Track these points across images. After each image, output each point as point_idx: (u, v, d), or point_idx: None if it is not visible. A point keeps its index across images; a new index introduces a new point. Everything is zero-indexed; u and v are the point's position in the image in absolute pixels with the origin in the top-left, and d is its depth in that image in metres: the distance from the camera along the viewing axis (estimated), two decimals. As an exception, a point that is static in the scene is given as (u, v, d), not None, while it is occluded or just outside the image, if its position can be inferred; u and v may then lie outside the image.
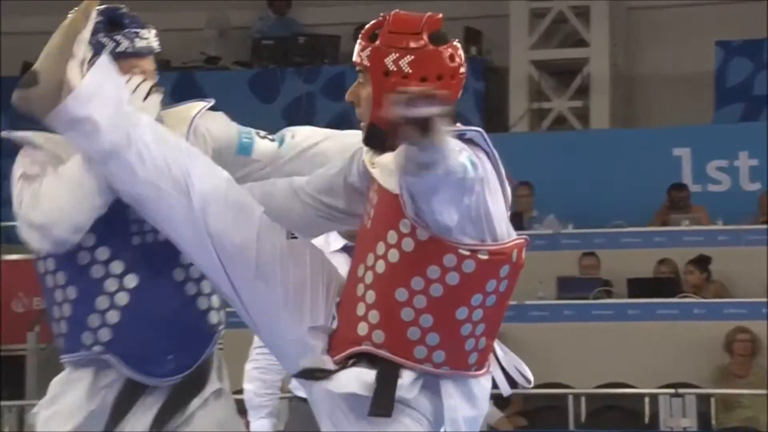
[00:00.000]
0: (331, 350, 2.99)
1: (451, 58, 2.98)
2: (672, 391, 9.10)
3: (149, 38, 3.20)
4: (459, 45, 3.02)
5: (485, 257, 2.91)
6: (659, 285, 10.40)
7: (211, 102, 3.27)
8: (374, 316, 2.91)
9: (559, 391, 9.50)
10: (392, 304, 2.90)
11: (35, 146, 3.12)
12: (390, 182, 2.91)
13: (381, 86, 2.97)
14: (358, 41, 3.10)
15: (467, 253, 2.89)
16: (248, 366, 4.44)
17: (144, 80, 3.14)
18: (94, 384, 3.11)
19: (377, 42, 3.04)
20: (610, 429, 9.02)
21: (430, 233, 2.87)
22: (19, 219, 3.08)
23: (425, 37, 2.98)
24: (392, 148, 2.92)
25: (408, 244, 2.88)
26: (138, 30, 3.17)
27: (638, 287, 10.35)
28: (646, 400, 9.33)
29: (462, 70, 3.01)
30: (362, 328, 2.92)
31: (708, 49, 12.87)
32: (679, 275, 10.52)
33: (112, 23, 3.16)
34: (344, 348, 2.95)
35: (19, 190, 3.08)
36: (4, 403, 10.37)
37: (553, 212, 11.25)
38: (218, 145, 3.25)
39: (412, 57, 2.96)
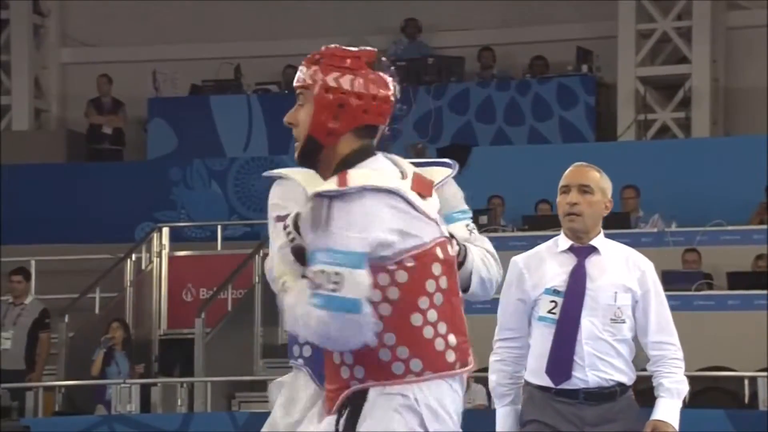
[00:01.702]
0: (327, 404, 2.91)
1: (386, 85, 2.98)
2: (769, 374, 8.89)
3: None
4: (392, 79, 3.01)
5: (412, 264, 2.83)
6: (757, 278, 10.19)
7: (455, 171, 3.14)
8: (347, 356, 2.85)
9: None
10: None
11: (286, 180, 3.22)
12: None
13: (322, 100, 2.92)
14: (302, 66, 3.07)
15: (394, 267, 2.82)
16: (492, 358, 4.33)
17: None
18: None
19: (320, 64, 3.03)
20: (712, 407, 8.85)
21: None
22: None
23: (364, 63, 3.01)
24: (325, 163, 2.89)
25: None
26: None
27: (737, 280, 10.16)
28: (746, 381, 9.14)
29: (392, 99, 2.97)
30: (344, 372, 2.86)
31: (801, 64, 12.56)
32: (775, 269, 10.29)
33: None
34: (337, 397, 2.88)
35: (270, 225, 3.31)
36: (177, 380, 10.61)
37: (658, 212, 11.09)
38: (441, 207, 3.12)
39: (352, 77, 2.95)
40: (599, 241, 4.30)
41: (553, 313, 4.20)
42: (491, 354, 4.35)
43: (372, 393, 2.84)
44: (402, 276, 2.83)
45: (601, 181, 4.30)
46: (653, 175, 11.65)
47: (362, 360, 2.84)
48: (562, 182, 4.31)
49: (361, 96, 2.93)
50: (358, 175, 2.82)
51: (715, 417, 8.47)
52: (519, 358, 4.28)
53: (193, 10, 14.34)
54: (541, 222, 10.79)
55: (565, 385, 4.16)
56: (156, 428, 9.29)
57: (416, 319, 2.84)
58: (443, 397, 2.85)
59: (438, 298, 2.87)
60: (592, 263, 4.25)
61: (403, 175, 2.90)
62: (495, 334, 4.34)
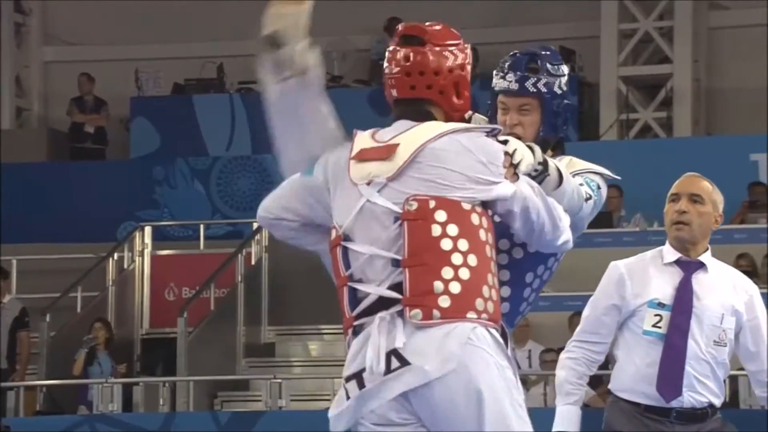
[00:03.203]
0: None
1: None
2: (750, 373, 8.91)
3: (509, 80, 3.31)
4: None
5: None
6: (738, 277, 10.20)
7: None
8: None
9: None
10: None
11: None
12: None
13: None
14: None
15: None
16: (564, 355, 4.24)
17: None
18: None
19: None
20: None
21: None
22: None
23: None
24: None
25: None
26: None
27: (718, 279, 10.17)
28: (727, 380, 9.15)
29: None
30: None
31: (782, 64, 12.62)
32: (756, 268, 10.32)
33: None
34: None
35: None
36: (159, 379, 10.57)
37: (640, 212, 11.11)
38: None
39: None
40: (707, 257, 4.14)
41: (659, 327, 4.03)
42: (564, 351, 4.23)
43: None
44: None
45: (713, 193, 4.19)
46: (635, 175, 11.65)
47: None
48: (672, 190, 4.17)
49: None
50: None
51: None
52: (593, 362, 4.17)
53: (175, 10, 14.30)
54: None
55: (656, 403, 4.03)
56: (138, 428, 9.26)
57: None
58: None
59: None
60: (698, 280, 4.08)
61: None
62: (575, 333, 4.22)
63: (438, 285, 2.93)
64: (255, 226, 11.93)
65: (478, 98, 3.55)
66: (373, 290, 2.96)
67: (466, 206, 2.98)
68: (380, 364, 2.91)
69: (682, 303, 4.04)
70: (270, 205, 3.21)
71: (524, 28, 13.66)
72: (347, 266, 3.02)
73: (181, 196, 13.01)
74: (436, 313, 2.92)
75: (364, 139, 3.14)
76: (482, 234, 3.00)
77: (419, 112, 3.09)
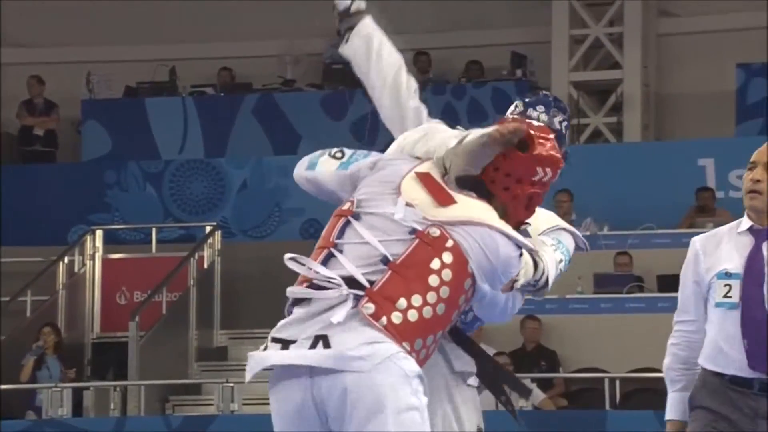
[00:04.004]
0: None
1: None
2: (698, 375, 8.98)
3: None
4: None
5: None
6: (686, 281, 10.29)
7: None
8: None
9: (597, 375, 9.44)
10: None
11: None
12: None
13: None
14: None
15: None
16: (669, 341, 4.13)
17: None
18: None
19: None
20: (641, 409, 8.95)
21: None
22: None
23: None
24: None
25: None
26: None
27: (667, 283, 10.25)
28: None
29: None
30: None
31: (730, 71, 12.76)
32: (704, 272, 10.41)
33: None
34: None
35: None
36: (110, 383, 10.49)
37: (590, 216, 11.19)
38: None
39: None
40: None
41: (729, 297, 3.94)
42: (670, 335, 4.15)
43: None
44: None
45: None
46: (586, 179, 11.75)
47: None
48: (751, 158, 3.99)
49: None
50: None
51: (645, 418, 8.56)
52: (693, 343, 4.04)
53: (128, 12, 14.21)
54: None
55: (739, 373, 3.90)
56: (88, 432, 9.18)
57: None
58: None
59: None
60: None
61: None
62: (674, 317, 4.13)
63: (402, 302, 2.98)
64: (207, 229, 11.89)
65: (429, 103, 3.55)
66: (351, 268, 3.01)
67: (470, 270, 3.06)
68: (310, 341, 2.96)
69: (753, 271, 3.95)
70: (311, 177, 3.25)
71: (476, 32, 13.72)
72: (340, 235, 3.06)
73: (133, 200, 12.92)
74: (384, 319, 2.97)
75: (432, 168, 3.16)
76: (461, 300, 3.09)
77: (485, 196, 3.15)
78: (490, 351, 9.99)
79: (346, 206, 3.10)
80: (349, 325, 2.95)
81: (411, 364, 2.97)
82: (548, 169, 3.21)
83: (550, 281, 3.28)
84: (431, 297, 2.99)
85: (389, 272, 2.99)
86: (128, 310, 10.82)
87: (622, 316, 9.95)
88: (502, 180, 3.14)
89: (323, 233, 3.11)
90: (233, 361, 11.24)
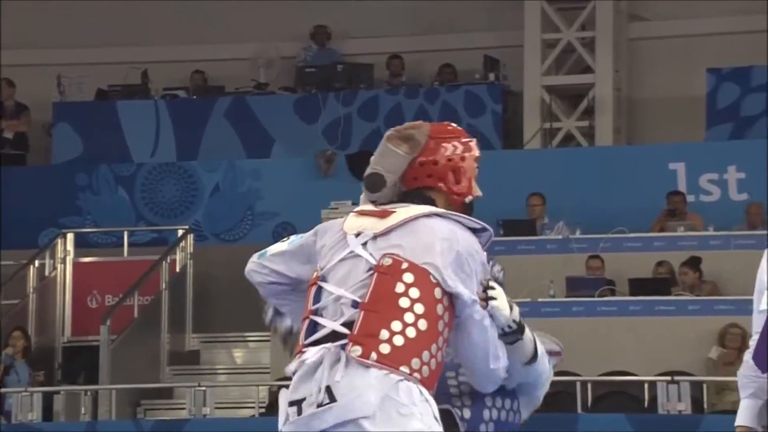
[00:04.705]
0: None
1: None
2: (669, 378, 9.05)
3: None
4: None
5: None
6: (657, 284, 10.36)
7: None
8: None
9: (569, 378, 9.46)
10: None
11: None
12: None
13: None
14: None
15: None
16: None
17: None
18: None
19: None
20: (613, 412, 8.98)
21: None
22: None
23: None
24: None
25: None
26: None
27: (639, 286, 10.31)
28: (646, 386, 9.28)
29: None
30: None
31: (700, 76, 12.84)
32: (675, 276, 10.49)
33: None
34: None
35: None
36: (80, 387, 10.42)
37: (562, 220, 11.22)
38: None
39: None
40: None
41: None
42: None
43: None
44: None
45: None
46: (558, 183, 11.79)
47: None
48: None
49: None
50: None
51: (616, 421, 8.60)
52: None
53: (99, 14, 14.13)
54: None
55: None
56: (59, 437, 9.12)
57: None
58: None
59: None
60: None
61: None
62: (752, 326, 4.14)
63: (384, 333, 3.14)
64: (180, 233, 11.84)
65: (403, 106, 3.58)
66: (329, 324, 3.21)
67: (433, 280, 3.20)
68: (320, 395, 3.12)
69: None
70: (261, 266, 3.44)
71: (449, 36, 13.73)
72: (316, 302, 3.27)
73: (105, 203, 12.85)
74: (373, 355, 3.12)
75: (367, 204, 3.37)
76: (439, 309, 3.21)
77: (422, 199, 3.33)
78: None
79: (314, 275, 3.32)
80: (346, 372, 3.12)
81: (408, 386, 3.12)
82: (455, 142, 3.35)
83: (541, 365, 3.49)
84: (409, 317, 3.15)
85: (362, 312, 3.17)
86: (99, 314, 10.76)
87: (594, 319, 9.98)
88: (421, 171, 3.32)
89: (305, 305, 3.31)
90: (205, 364, 11.20)
